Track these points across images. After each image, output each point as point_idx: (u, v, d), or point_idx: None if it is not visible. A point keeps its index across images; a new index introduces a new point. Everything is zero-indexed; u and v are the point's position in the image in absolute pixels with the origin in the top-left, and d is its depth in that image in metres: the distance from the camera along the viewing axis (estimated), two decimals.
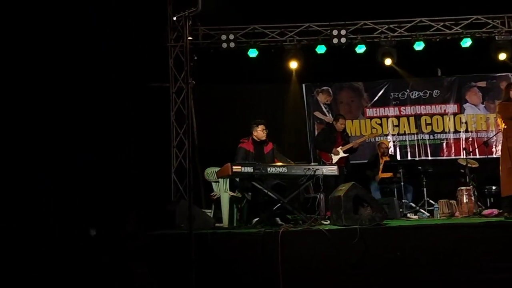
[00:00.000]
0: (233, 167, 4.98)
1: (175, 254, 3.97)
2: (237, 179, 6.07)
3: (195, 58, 8.15)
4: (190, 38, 7.83)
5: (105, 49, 7.66)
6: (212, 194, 6.57)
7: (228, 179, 6.22)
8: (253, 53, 8.37)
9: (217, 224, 5.80)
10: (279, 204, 5.32)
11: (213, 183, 6.67)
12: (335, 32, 8.18)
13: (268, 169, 5.15)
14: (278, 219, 5.61)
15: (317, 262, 3.98)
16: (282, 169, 5.23)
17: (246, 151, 5.91)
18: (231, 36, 8.16)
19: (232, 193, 6.21)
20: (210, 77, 8.44)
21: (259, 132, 6.01)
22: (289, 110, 8.97)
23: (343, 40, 8.18)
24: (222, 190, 6.20)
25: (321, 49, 8.37)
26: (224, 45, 8.15)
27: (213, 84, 8.61)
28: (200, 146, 7.84)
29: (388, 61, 8.40)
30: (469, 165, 7.50)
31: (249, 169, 5.02)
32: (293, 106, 9.04)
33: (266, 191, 5.24)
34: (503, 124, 5.62)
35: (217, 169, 6.09)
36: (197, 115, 7.99)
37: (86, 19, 7.49)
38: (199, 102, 8.12)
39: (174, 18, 7.58)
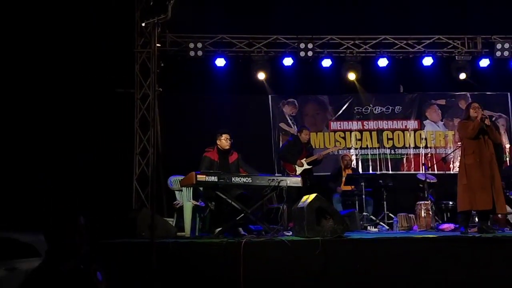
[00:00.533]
0: (198, 176, 4.95)
1: (136, 263, 3.89)
2: (201, 188, 6.03)
3: (162, 65, 8.10)
4: (158, 45, 7.81)
5: (70, 51, 7.51)
6: (175, 202, 6.50)
7: (191, 188, 6.17)
8: (220, 62, 8.38)
9: (179, 233, 5.74)
10: (242, 215, 5.31)
11: (176, 192, 6.60)
12: (302, 45, 8.29)
13: (233, 179, 5.15)
14: (241, 229, 5.59)
15: (279, 273, 3.99)
16: (247, 179, 5.24)
17: (210, 160, 5.88)
18: (199, 45, 8.16)
19: (195, 202, 6.17)
20: (176, 85, 8.40)
21: (223, 142, 6.00)
22: (255, 121, 9.00)
23: (310, 53, 8.31)
24: (185, 199, 6.14)
25: (288, 61, 8.47)
26: (192, 53, 8.13)
27: (179, 91, 8.56)
28: (164, 154, 7.77)
29: (352, 76, 8.58)
30: (427, 180, 7.71)
31: (214, 179, 5.01)
32: (258, 116, 9.07)
33: (230, 201, 5.23)
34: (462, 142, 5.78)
35: (180, 177, 6.04)
36: (161, 122, 7.92)
37: (53, 22, 7.33)
38: (164, 109, 8.05)
39: (143, 24, 7.51)
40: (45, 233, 2.81)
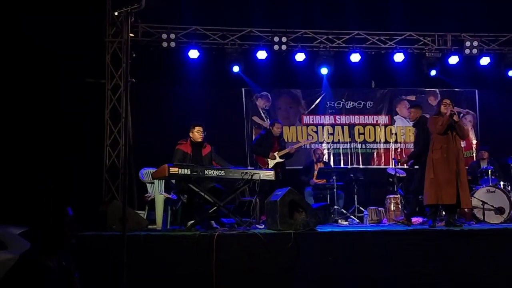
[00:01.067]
0: (170, 168, 4.91)
1: (107, 256, 3.83)
2: (173, 181, 5.98)
3: (134, 55, 7.96)
4: (131, 35, 7.67)
5: (39, 39, 7.30)
6: (146, 195, 6.44)
7: (163, 181, 6.12)
8: (193, 54, 8.30)
9: (150, 226, 5.68)
10: (215, 207, 5.30)
11: (147, 184, 6.53)
12: (276, 39, 8.29)
13: (206, 171, 5.13)
14: (213, 222, 5.58)
15: (251, 265, 4.00)
16: (220, 172, 5.22)
17: (183, 153, 5.83)
18: (172, 36, 8.05)
19: (167, 195, 6.11)
20: (148, 76, 8.27)
21: (195, 134, 5.95)
22: (228, 114, 8.97)
23: (283, 47, 8.31)
24: (157, 192, 6.08)
25: (261, 54, 8.45)
26: (165, 44, 8.02)
27: (151, 83, 8.44)
28: (136, 146, 7.66)
29: (325, 70, 8.63)
30: (397, 174, 7.84)
31: (187, 171, 4.97)
32: (232, 109, 9.05)
33: (203, 193, 5.20)
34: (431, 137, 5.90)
35: (152, 170, 5.98)
36: (133, 114, 7.80)
37: (20, 8, 7.10)
38: (136, 100, 7.92)
39: (116, 13, 7.35)
40: (30, 225, 2.73)
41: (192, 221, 5.28)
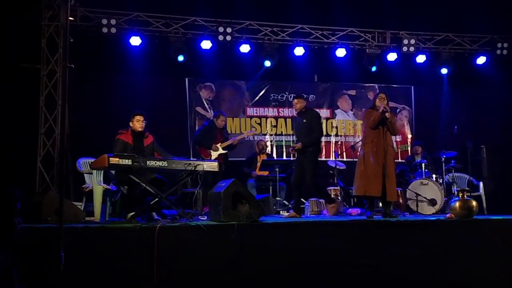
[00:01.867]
0: (110, 158, 4.75)
1: (41, 250, 3.66)
2: (112, 172, 5.80)
3: (71, 40, 7.61)
4: (71, 18, 7.34)
5: None
6: (84, 186, 6.21)
7: (102, 171, 5.92)
8: (135, 41, 8.07)
9: (87, 218, 5.49)
10: (156, 199, 5.19)
11: (85, 175, 6.30)
12: (221, 29, 8.21)
13: (148, 162, 5.00)
14: (154, 214, 5.48)
15: (194, 257, 3.96)
16: (162, 163, 5.11)
17: (124, 142, 5.67)
18: (113, 21, 7.78)
19: (106, 186, 5.93)
20: (87, 62, 7.92)
21: (136, 124, 5.79)
22: (171, 104, 8.82)
23: (228, 37, 8.26)
24: (95, 182, 5.88)
25: (206, 44, 8.36)
26: (105, 29, 7.75)
27: (90, 69, 8.10)
28: (73, 135, 7.36)
29: (267, 63, 8.67)
30: (337, 167, 8.04)
31: (128, 162, 4.83)
32: (174, 99, 8.90)
33: (144, 185, 5.08)
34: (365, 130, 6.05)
35: (91, 160, 5.77)
36: (70, 101, 7.48)
37: None
38: (74, 87, 7.59)
39: None
40: None
41: (133, 213, 5.15)
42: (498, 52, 9.17)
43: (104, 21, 7.73)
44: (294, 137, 7.19)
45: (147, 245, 3.84)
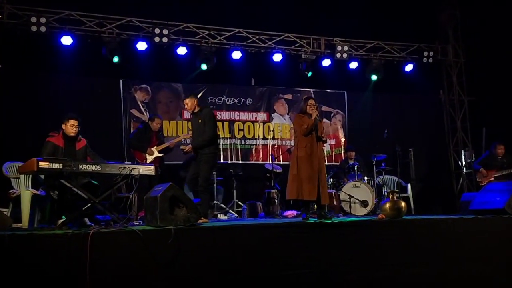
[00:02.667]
0: (40, 162, 4.52)
1: None
2: (42, 176, 5.53)
3: None
4: None
5: None
6: (10, 191, 5.89)
7: (30, 176, 5.64)
8: (67, 40, 7.78)
9: (14, 225, 5.19)
10: (89, 204, 5.01)
11: (12, 180, 5.97)
12: (157, 31, 8.11)
13: (80, 166, 4.81)
14: (87, 219, 5.28)
15: (129, 263, 3.85)
16: (96, 167, 4.94)
17: (55, 145, 5.42)
18: (43, 19, 7.48)
19: (34, 191, 5.65)
20: (14, 61, 7.58)
21: (69, 128, 5.55)
22: (104, 106, 8.55)
23: (164, 39, 8.17)
24: (23, 188, 5.58)
25: (142, 45, 8.20)
26: (34, 28, 7.43)
27: (18, 69, 7.74)
28: None
29: (204, 66, 8.64)
30: (274, 170, 8.14)
31: (58, 166, 4.62)
32: (108, 101, 8.63)
33: (76, 190, 4.89)
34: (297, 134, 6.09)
35: (18, 164, 5.48)
36: None
37: None
38: (1, 87, 7.23)
39: None
40: None
41: (63, 219, 4.93)
42: (425, 60, 9.71)
43: (34, 19, 7.42)
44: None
45: (79, 253, 3.69)
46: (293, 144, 9.38)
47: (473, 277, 4.76)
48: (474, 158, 9.42)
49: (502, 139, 8.10)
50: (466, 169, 9.93)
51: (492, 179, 7.75)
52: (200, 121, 6.06)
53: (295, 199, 5.87)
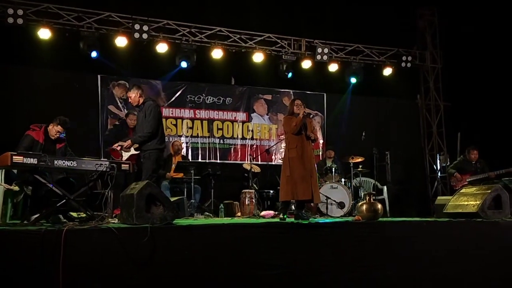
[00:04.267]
0: (14, 157, 4.43)
1: None
2: (15, 171, 5.42)
3: None
4: None
5: None
6: None
7: (3, 170, 5.52)
8: (44, 34, 7.64)
9: None
10: (63, 200, 4.92)
11: None
12: (137, 27, 8.02)
13: (55, 162, 4.73)
14: (61, 216, 5.20)
15: (104, 261, 3.79)
16: (71, 163, 4.86)
17: (34, 140, 5.31)
18: (20, 12, 7.33)
19: (7, 186, 5.52)
20: None
21: (53, 131, 5.46)
22: (81, 101, 8.40)
23: (144, 36, 8.09)
24: None
25: (121, 41, 8.10)
26: (11, 20, 7.27)
27: None
28: None
29: (184, 64, 8.59)
30: (252, 170, 8.14)
31: (33, 161, 4.53)
32: (85, 97, 8.50)
33: (51, 185, 4.80)
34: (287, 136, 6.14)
35: None
36: None
37: None
38: None
39: None
40: None
41: (37, 215, 4.84)
42: (403, 64, 9.83)
43: (10, 11, 7.27)
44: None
45: (52, 249, 3.62)
46: (271, 145, 9.50)
47: (446, 279, 4.83)
48: (449, 162, 9.58)
49: (476, 144, 8.26)
50: (440, 173, 10.10)
51: (466, 183, 7.90)
52: (142, 115, 5.85)
53: (290, 200, 5.89)
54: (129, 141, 5.88)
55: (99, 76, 8.62)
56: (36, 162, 4.56)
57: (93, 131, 8.49)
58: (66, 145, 5.61)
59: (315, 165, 6.00)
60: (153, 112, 5.82)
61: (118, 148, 6.08)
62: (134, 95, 5.94)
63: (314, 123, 10.07)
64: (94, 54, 7.97)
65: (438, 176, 10.12)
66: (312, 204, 7.54)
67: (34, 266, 3.58)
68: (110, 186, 5.30)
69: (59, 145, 5.53)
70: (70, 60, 8.13)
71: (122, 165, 5.37)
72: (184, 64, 8.58)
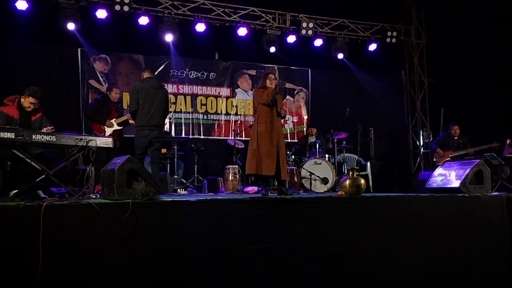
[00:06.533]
0: None
1: None
2: None
3: None
4: None
5: None
6: None
7: None
8: (22, 5, 7.40)
9: None
10: (43, 176, 4.83)
11: None
12: None
13: (34, 136, 4.61)
14: (40, 192, 5.11)
15: (84, 237, 3.74)
16: (50, 138, 4.75)
17: (8, 116, 5.19)
18: None
19: None
20: None
21: (26, 103, 5.32)
22: (61, 75, 8.23)
23: (125, 8, 7.90)
24: None
25: (101, 13, 7.89)
26: None
27: None
28: None
29: (169, 37, 8.43)
30: (236, 145, 8.09)
31: (10, 135, 4.42)
32: (65, 70, 8.32)
33: (29, 160, 4.70)
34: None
35: None
36: None
37: None
38: None
39: None
40: None
41: (16, 191, 4.75)
42: (388, 40, 9.79)
43: None
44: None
45: (31, 225, 3.56)
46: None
47: (428, 253, 4.90)
48: (432, 139, 9.66)
49: (459, 121, 8.31)
50: (423, 149, 10.18)
51: (448, 159, 7.97)
52: None
53: (254, 174, 5.84)
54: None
55: (79, 50, 8.43)
56: (13, 137, 4.45)
57: (74, 106, 8.34)
58: (42, 115, 5.49)
59: (284, 142, 5.92)
60: (133, 93, 6.25)
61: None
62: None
63: (299, 99, 10.07)
64: (71, 26, 7.76)
65: (421, 152, 10.21)
66: (295, 179, 7.57)
67: (13, 243, 3.52)
68: (92, 162, 5.22)
69: (34, 117, 5.40)
70: (50, 33, 7.94)
71: (104, 140, 5.27)
72: (170, 38, 8.41)
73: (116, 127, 7.08)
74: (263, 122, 5.72)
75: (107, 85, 8.37)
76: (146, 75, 6.34)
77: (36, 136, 4.65)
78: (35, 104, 5.33)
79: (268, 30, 9.09)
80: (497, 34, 9.06)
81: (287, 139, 9.35)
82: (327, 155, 8.22)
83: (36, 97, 5.32)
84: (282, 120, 6.15)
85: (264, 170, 5.65)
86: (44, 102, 5.90)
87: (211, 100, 9.38)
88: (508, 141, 7.40)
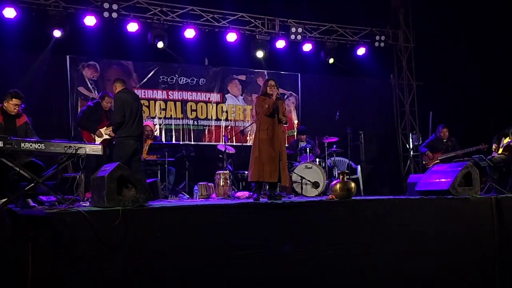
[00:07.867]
0: None
1: None
2: None
3: None
4: None
5: None
6: None
7: None
8: (9, 13, 7.36)
9: None
10: (32, 184, 4.79)
11: None
12: (106, 5, 7.81)
13: (22, 144, 4.57)
14: (30, 200, 5.06)
15: (74, 245, 3.71)
16: (39, 145, 4.70)
17: None
18: None
19: None
20: None
21: (10, 106, 5.29)
22: (49, 83, 8.18)
23: (114, 15, 7.89)
24: None
25: (90, 20, 7.88)
26: None
27: None
28: None
29: (160, 44, 8.43)
30: (226, 151, 8.09)
31: None
32: (54, 78, 8.27)
33: (18, 169, 4.66)
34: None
35: None
36: None
37: None
38: None
39: None
40: None
41: (5, 199, 4.70)
42: (376, 44, 9.86)
43: None
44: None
45: (20, 234, 3.53)
46: (246, 125, 9.45)
47: (418, 256, 4.92)
48: (421, 141, 9.72)
49: (448, 123, 8.38)
50: (413, 152, 10.24)
51: (438, 161, 8.02)
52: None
53: (256, 181, 5.87)
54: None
55: (68, 57, 8.40)
56: (2, 145, 4.41)
57: (63, 114, 8.30)
58: (27, 122, 5.46)
59: (285, 148, 5.99)
60: (117, 103, 6.20)
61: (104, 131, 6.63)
62: (113, 88, 6.37)
63: (289, 104, 10.11)
64: (57, 33, 7.74)
65: (411, 155, 10.27)
66: (287, 184, 7.57)
67: (1, 252, 3.48)
68: (82, 169, 5.19)
69: (20, 122, 5.37)
70: (38, 40, 7.91)
71: (93, 147, 5.24)
72: (160, 44, 8.41)
73: (106, 136, 7.04)
74: (264, 129, 5.78)
75: (96, 92, 8.35)
76: (120, 86, 6.34)
77: (24, 144, 4.61)
78: (19, 105, 5.31)
79: (257, 36, 9.12)
80: (485, 37, 9.17)
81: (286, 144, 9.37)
82: (317, 159, 8.24)
83: (19, 97, 5.33)
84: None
85: (266, 177, 5.72)
86: (33, 109, 5.89)
87: (201, 106, 9.38)
88: (494, 146, 7.45)
